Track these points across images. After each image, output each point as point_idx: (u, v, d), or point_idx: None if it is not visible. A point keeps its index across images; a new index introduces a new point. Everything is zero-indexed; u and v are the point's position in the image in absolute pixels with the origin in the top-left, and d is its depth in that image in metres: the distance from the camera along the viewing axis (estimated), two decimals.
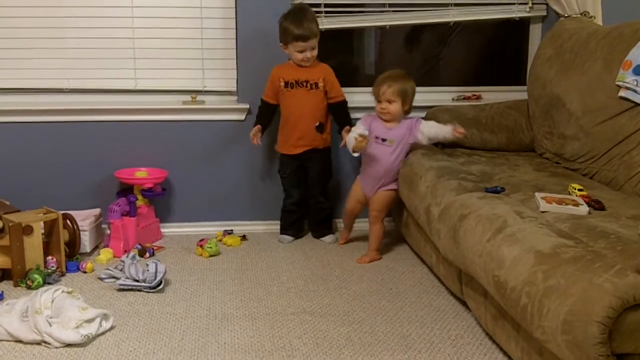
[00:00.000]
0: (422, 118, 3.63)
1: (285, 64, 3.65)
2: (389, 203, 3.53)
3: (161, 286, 3.08)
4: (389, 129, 3.43)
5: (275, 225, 3.86)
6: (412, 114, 3.45)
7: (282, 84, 3.61)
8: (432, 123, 3.52)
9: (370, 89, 3.53)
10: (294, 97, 3.61)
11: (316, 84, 3.59)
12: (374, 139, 3.41)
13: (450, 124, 3.47)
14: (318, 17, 3.71)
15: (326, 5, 3.88)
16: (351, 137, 3.34)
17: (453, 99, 4.09)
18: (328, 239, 3.78)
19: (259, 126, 3.65)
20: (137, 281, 3.08)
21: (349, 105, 3.73)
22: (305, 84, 3.59)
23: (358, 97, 3.90)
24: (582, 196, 2.67)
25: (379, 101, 3.41)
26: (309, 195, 3.80)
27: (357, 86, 3.99)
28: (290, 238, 3.79)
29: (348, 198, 3.66)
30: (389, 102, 3.37)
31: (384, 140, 3.42)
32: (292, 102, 3.63)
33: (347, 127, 3.58)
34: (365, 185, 3.54)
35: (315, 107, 3.64)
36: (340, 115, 3.70)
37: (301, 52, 3.54)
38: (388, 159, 3.44)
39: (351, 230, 3.79)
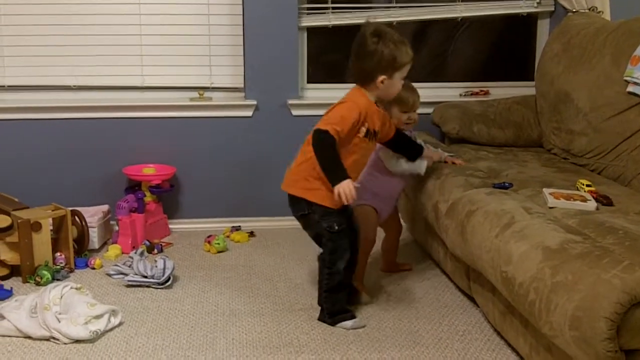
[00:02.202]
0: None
1: (366, 99, 2.71)
2: None
3: (169, 282, 3.09)
4: None
5: (282, 222, 3.83)
6: (419, 111, 3.17)
7: (364, 131, 2.69)
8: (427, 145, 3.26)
9: None
10: (366, 149, 2.78)
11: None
12: (397, 155, 3.04)
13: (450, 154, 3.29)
14: (325, 13, 3.71)
15: (333, 2, 3.87)
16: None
17: (461, 95, 4.08)
18: (364, 298, 2.98)
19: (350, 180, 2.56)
20: (146, 277, 3.09)
21: None
22: (376, 136, 2.80)
23: None
24: (590, 192, 2.66)
25: (405, 112, 3.01)
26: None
27: None
28: (359, 321, 2.80)
29: (368, 227, 3.05)
30: (415, 111, 3.05)
31: None
32: (363, 154, 2.78)
33: (428, 148, 3.13)
34: (386, 207, 3.13)
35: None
36: (404, 142, 3.03)
37: (406, 112, 2.93)
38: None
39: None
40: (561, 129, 3.47)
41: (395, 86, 2.70)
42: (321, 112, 2.72)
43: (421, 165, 3.03)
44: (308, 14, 3.88)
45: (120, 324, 2.72)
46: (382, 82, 2.65)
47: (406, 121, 3.03)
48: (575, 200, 2.55)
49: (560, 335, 1.96)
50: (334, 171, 2.56)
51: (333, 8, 3.88)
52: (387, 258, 3.33)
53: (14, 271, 3.19)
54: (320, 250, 2.78)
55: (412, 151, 3.03)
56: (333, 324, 2.74)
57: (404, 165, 3.02)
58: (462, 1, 3.99)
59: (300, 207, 2.74)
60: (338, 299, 2.78)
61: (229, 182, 3.92)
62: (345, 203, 2.56)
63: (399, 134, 2.94)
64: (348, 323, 2.74)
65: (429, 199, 3.08)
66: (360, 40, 2.66)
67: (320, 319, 2.79)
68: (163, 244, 3.61)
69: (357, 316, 2.79)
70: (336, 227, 2.69)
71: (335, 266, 2.73)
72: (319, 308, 2.83)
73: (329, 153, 2.56)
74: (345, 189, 2.51)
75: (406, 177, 3.12)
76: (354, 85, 2.74)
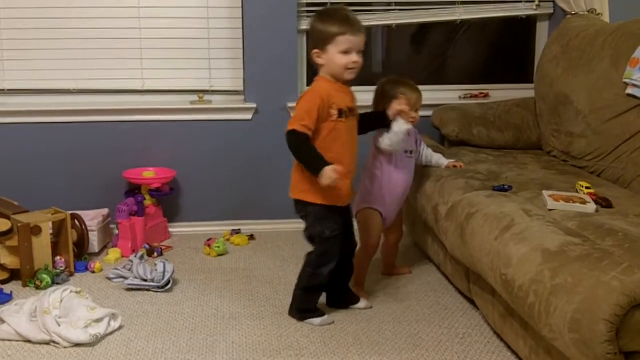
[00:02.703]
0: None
1: (324, 81, 2.69)
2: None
3: (169, 285, 3.09)
4: (409, 139, 3.06)
5: (282, 224, 3.85)
6: (419, 113, 3.10)
7: (335, 113, 2.65)
8: (431, 151, 3.26)
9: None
10: (348, 128, 2.72)
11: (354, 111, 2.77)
12: (403, 154, 3.02)
13: (452, 160, 3.24)
14: None
15: (332, 4, 3.87)
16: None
17: (460, 97, 4.09)
18: (363, 303, 2.95)
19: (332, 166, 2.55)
20: (145, 280, 3.09)
21: (358, 104, 3.72)
22: (352, 112, 2.74)
23: (365, 95, 3.89)
24: (590, 194, 2.66)
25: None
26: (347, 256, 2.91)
27: (363, 85, 3.97)
28: (327, 318, 2.81)
29: (371, 232, 3.02)
30: (416, 110, 2.99)
31: (412, 152, 3.07)
32: (347, 133, 2.71)
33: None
34: (390, 210, 3.06)
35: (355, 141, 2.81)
36: (368, 115, 2.96)
37: (346, 53, 2.63)
38: (412, 172, 3.09)
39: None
40: (560, 131, 3.47)
41: (334, 60, 2.62)
42: None
43: (400, 126, 2.83)
44: (307, 16, 3.88)
45: (120, 327, 2.72)
46: (317, 56, 2.66)
47: (409, 120, 2.92)
48: (574, 202, 2.55)
49: (559, 337, 1.96)
50: (311, 162, 2.59)
51: None
52: (386, 261, 3.32)
53: (14, 275, 3.18)
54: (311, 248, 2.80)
55: (380, 118, 2.91)
56: (301, 319, 2.78)
57: (385, 138, 2.87)
58: (461, 4, 3.99)
59: (299, 209, 2.76)
60: (311, 299, 2.81)
61: (229, 185, 3.92)
62: (332, 184, 2.54)
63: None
64: (316, 320, 2.77)
65: (428, 201, 3.08)
66: None
67: (290, 314, 2.83)
68: (163, 247, 3.61)
69: (326, 313, 2.82)
70: (327, 233, 2.69)
71: (319, 269, 2.74)
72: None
73: (302, 149, 2.59)
74: (327, 173, 2.52)
75: (408, 174, 3.06)
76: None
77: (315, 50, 2.66)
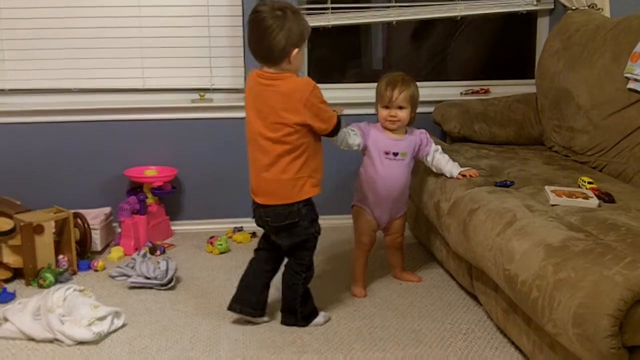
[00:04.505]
0: (433, 121, 3.58)
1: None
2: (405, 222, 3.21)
3: (172, 283, 3.10)
4: (397, 140, 2.95)
5: None
6: (418, 110, 3.06)
7: None
8: (447, 158, 3.06)
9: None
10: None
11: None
12: (382, 155, 2.93)
13: (466, 168, 3.05)
14: (324, 13, 3.70)
15: (333, 2, 3.88)
16: None
17: (461, 94, 4.08)
18: (322, 318, 2.81)
19: None
20: (149, 279, 3.09)
21: (358, 101, 3.73)
22: None
23: (365, 93, 3.90)
24: (592, 189, 2.66)
25: (386, 107, 2.92)
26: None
27: (364, 82, 3.99)
28: (326, 314, 2.83)
29: (360, 229, 3.07)
30: (400, 108, 2.91)
31: (395, 154, 2.94)
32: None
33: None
34: (379, 211, 3.02)
35: None
36: None
37: (387, 107, 2.88)
38: (403, 175, 2.98)
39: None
40: (562, 127, 3.47)
41: (300, 61, 2.60)
42: None
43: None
44: (308, 14, 3.88)
45: (123, 325, 2.73)
46: (293, 55, 2.53)
47: (388, 118, 2.92)
48: (577, 197, 2.56)
49: (563, 332, 1.96)
50: (338, 124, 2.67)
51: (333, 9, 3.88)
52: (391, 263, 3.26)
53: (17, 274, 3.19)
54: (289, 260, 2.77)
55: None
56: (307, 324, 2.75)
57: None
58: (461, 0, 3.99)
59: (292, 216, 2.63)
60: (310, 301, 2.78)
61: (231, 183, 3.92)
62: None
63: None
64: (320, 320, 2.77)
65: (430, 198, 3.08)
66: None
67: (290, 323, 2.75)
68: (165, 246, 3.61)
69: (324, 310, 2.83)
70: (318, 229, 2.72)
71: (312, 267, 2.75)
72: (322, 307, 2.84)
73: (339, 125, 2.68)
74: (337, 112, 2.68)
75: (395, 176, 2.96)
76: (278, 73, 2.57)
77: (297, 50, 2.52)
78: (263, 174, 2.64)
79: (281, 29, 2.47)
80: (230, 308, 2.74)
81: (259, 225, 2.76)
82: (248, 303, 2.72)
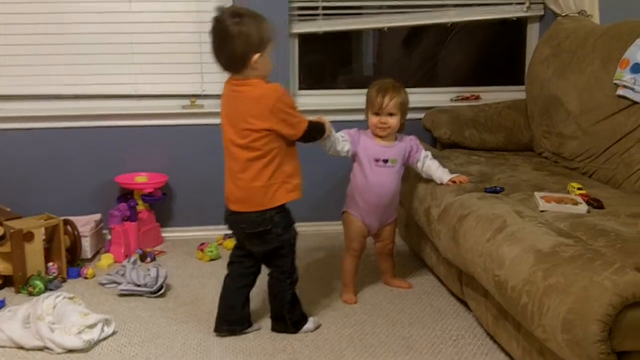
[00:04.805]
0: (423, 127, 3.59)
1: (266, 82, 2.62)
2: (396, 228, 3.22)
3: (162, 291, 3.09)
4: (386, 147, 2.96)
5: None
6: (408, 116, 3.07)
7: None
8: (437, 164, 3.06)
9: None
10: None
11: None
12: (372, 162, 2.94)
13: (456, 174, 3.04)
14: (315, 19, 3.69)
15: (324, 8, 3.88)
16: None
17: (451, 100, 4.09)
18: (312, 324, 2.82)
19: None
20: (139, 286, 3.08)
21: (350, 107, 3.73)
22: None
23: (356, 99, 3.90)
24: (581, 195, 2.67)
25: (376, 114, 2.92)
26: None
27: (354, 88, 3.99)
28: (315, 319, 2.85)
29: (350, 235, 3.07)
30: (391, 115, 2.91)
31: (385, 161, 2.95)
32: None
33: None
34: (369, 218, 3.02)
35: None
36: None
37: (377, 114, 2.90)
38: (393, 182, 2.99)
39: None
40: (552, 133, 3.48)
41: (269, 64, 2.56)
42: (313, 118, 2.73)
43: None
44: (299, 20, 3.88)
45: (113, 333, 2.72)
46: (256, 61, 2.48)
47: (378, 125, 2.93)
48: (566, 203, 2.57)
49: (552, 338, 1.97)
50: (318, 129, 2.73)
51: (324, 14, 3.88)
52: (380, 269, 3.26)
53: (7, 281, 3.17)
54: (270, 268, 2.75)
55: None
56: (298, 331, 2.74)
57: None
58: (452, 7, 4.00)
59: (265, 222, 2.60)
60: (298, 307, 2.78)
61: (221, 190, 3.89)
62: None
63: None
64: (310, 326, 2.77)
65: (421, 204, 3.08)
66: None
67: (280, 330, 2.75)
68: (156, 253, 3.60)
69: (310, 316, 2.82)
70: (294, 235, 2.71)
71: (295, 271, 2.74)
72: (313, 314, 2.84)
73: (313, 131, 2.68)
74: (326, 125, 2.76)
75: (385, 183, 2.97)
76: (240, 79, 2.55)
77: (258, 55, 2.48)
78: (235, 181, 2.62)
79: (239, 35, 2.45)
80: (216, 330, 2.73)
81: (231, 232, 2.75)
82: (233, 322, 2.73)
